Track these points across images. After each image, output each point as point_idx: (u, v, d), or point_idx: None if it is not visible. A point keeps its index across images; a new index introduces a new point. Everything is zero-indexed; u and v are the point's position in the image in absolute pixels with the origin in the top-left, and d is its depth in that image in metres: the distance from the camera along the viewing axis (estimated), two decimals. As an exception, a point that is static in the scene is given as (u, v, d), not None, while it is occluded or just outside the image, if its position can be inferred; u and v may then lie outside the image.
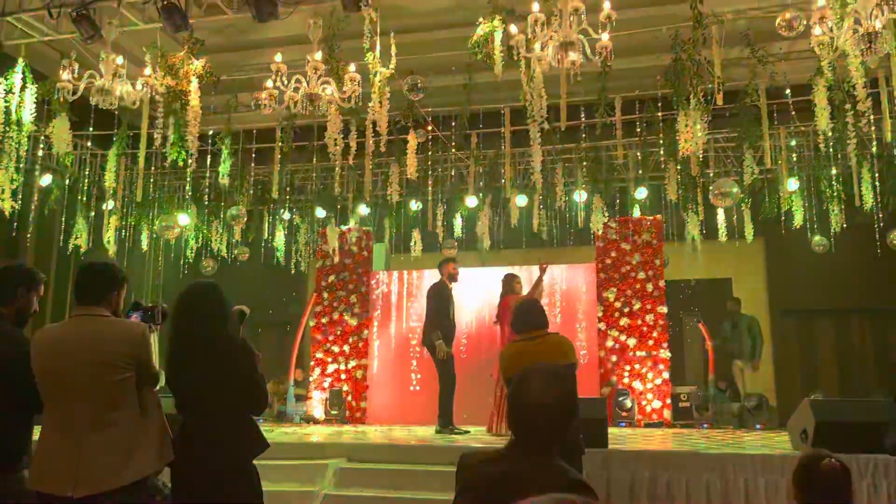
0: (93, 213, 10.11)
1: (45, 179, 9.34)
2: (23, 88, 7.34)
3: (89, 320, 3.11)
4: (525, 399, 2.19)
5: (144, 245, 10.52)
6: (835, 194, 9.04)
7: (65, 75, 6.40)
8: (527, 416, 2.19)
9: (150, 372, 3.16)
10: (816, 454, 2.57)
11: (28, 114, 7.40)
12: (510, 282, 8.47)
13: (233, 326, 3.50)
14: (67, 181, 9.65)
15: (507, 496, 2.18)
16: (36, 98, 7.41)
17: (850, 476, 2.51)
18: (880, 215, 8.87)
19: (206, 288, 3.49)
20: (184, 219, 10.35)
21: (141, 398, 3.11)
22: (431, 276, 10.79)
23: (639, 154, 9.44)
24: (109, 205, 9.96)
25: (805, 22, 5.70)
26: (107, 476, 2.93)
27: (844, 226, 9.26)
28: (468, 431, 8.19)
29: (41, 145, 8.88)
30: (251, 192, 10.29)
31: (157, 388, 3.51)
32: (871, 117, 5.89)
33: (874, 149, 8.01)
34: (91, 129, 8.77)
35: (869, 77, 5.81)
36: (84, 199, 10.04)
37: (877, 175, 8.52)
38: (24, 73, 7.36)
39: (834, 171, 8.95)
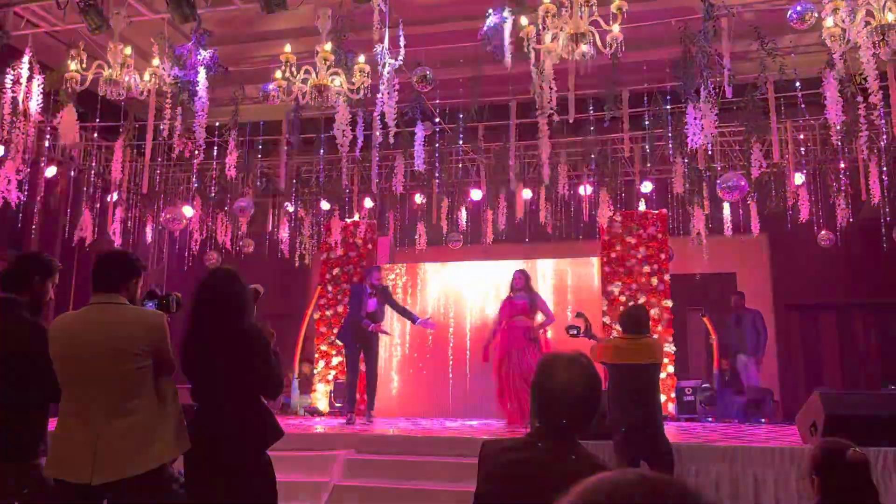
0: (98, 205, 10.09)
1: (51, 171, 9.32)
2: (29, 79, 7.31)
3: (108, 308, 3.10)
4: (550, 385, 2.19)
5: (149, 237, 10.51)
6: (842, 189, 9.02)
7: (73, 65, 6.37)
8: (553, 403, 2.18)
9: (168, 360, 3.16)
10: (838, 444, 2.55)
11: (35, 105, 7.36)
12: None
13: (249, 311, 3.49)
14: (73, 172, 9.62)
15: (532, 483, 2.19)
16: (43, 89, 7.37)
17: (869, 467, 2.50)
18: (887, 210, 8.85)
19: (229, 277, 3.46)
20: (189, 211, 10.33)
21: (158, 386, 3.11)
22: (435, 270, 10.81)
23: (646, 147, 9.41)
24: (114, 196, 9.96)
25: (816, 14, 5.68)
26: (125, 464, 2.93)
27: (851, 220, 9.25)
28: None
29: (47, 136, 8.86)
30: (258, 184, 10.27)
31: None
32: (883, 110, 5.87)
33: (883, 143, 7.99)
34: (97, 120, 8.75)
35: (879, 70, 5.77)
36: (89, 190, 10.03)
37: (885, 169, 8.49)
38: (30, 63, 7.32)
39: (842, 165, 8.93)
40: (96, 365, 2.98)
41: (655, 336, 5.92)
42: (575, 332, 6.16)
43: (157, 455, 3.02)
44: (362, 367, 9.02)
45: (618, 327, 7.06)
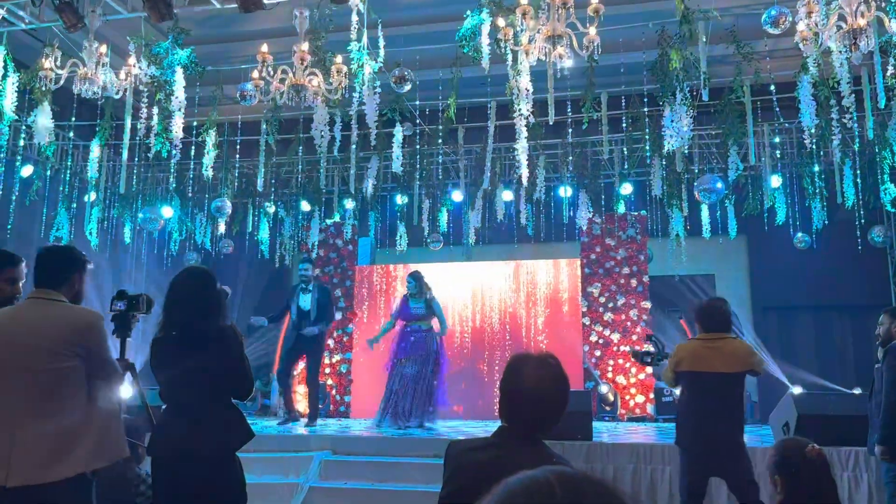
0: (74, 205, 9.99)
1: (26, 170, 9.22)
2: (3, 77, 7.22)
3: (40, 304, 2.97)
4: (519, 386, 2.19)
5: (127, 237, 10.41)
6: (817, 191, 9.12)
7: (47, 63, 6.31)
8: (520, 403, 2.19)
9: (104, 362, 3.01)
10: (797, 442, 2.59)
11: (9, 103, 7.28)
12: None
13: (223, 310, 3.47)
14: (49, 172, 9.53)
15: (496, 483, 2.19)
16: (17, 87, 7.30)
17: (829, 462, 2.54)
18: (861, 212, 8.96)
19: (203, 277, 3.42)
20: (167, 211, 10.26)
21: (90, 390, 2.94)
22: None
23: (624, 150, 9.46)
24: (92, 196, 9.87)
25: (791, 19, 5.73)
26: (41, 468, 2.75)
27: (826, 223, 9.35)
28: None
29: (22, 135, 8.77)
30: (236, 184, 10.21)
31: (133, 380, 3.43)
32: (855, 114, 5.94)
33: (856, 146, 8.08)
34: (73, 119, 8.67)
35: (852, 74, 5.84)
36: (66, 190, 9.93)
37: (858, 172, 8.60)
38: (5, 61, 7.24)
39: (816, 168, 9.03)
40: (16, 362, 2.82)
41: (735, 335, 4.73)
42: (648, 359, 5.52)
43: (76, 462, 2.81)
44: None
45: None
